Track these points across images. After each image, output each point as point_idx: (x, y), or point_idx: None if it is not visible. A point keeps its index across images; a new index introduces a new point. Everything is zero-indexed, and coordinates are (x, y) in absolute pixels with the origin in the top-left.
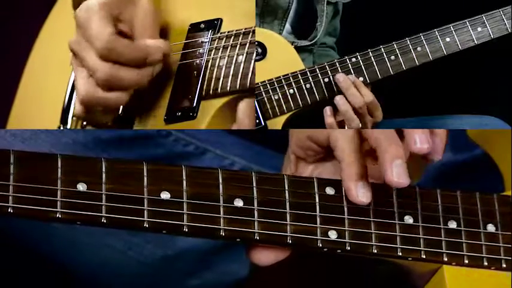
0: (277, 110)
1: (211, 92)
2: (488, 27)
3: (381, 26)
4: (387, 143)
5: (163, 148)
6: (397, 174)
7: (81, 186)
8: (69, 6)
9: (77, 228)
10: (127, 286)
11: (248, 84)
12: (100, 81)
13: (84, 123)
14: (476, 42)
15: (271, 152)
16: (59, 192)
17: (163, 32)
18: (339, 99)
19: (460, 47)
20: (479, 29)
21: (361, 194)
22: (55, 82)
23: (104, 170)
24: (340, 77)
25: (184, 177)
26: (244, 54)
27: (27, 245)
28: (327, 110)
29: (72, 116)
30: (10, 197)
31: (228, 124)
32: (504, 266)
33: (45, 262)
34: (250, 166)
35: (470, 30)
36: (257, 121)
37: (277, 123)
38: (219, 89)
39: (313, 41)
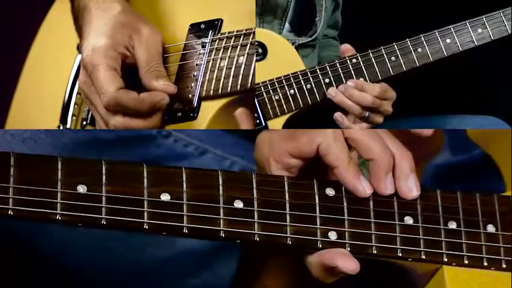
0: (278, 110)
1: (211, 92)
2: (488, 29)
3: (381, 26)
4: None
5: (163, 148)
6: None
7: (81, 188)
8: (68, 5)
9: (77, 230)
10: (126, 287)
11: (249, 85)
12: (112, 127)
13: (84, 122)
14: (476, 43)
15: None
16: (59, 194)
17: (164, 34)
18: (331, 91)
19: (460, 48)
20: (479, 30)
21: (367, 188)
22: (54, 81)
23: (104, 171)
24: (332, 91)
25: (184, 179)
26: (245, 55)
27: (27, 246)
28: (338, 117)
29: (72, 115)
30: (10, 199)
31: (228, 125)
32: (504, 266)
33: (46, 264)
34: (251, 166)
35: (471, 32)
36: (257, 121)
37: (277, 124)
38: (220, 90)
39: (314, 37)
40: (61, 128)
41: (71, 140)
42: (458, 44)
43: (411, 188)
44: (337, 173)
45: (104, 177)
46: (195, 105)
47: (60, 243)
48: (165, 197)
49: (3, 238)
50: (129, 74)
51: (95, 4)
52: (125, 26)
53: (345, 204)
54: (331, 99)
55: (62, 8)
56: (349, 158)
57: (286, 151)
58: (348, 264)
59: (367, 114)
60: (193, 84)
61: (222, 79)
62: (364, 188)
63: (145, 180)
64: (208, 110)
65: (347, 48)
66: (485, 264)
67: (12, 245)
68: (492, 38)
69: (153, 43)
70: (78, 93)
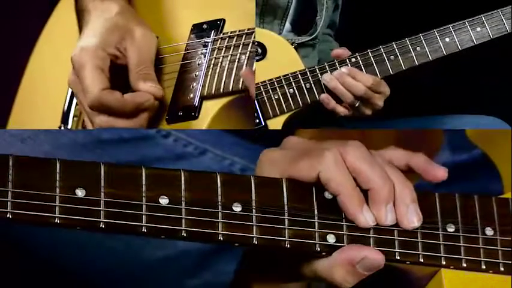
0: (277, 110)
1: (213, 91)
2: (487, 28)
3: (380, 26)
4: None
5: (163, 148)
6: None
7: (80, 192)
8: (72, 6)
9: (77, 230)
10: (126, 287)
11: None
12: (97, 126)
13: None
14: (475, 42)
15: None
16: (57, 198)
17: (166, 34)
18: (325, 77)
19: (459, 47)
20: (478, 29)
21: (369, 219)
22: (56, 82)
23: (102, 175)
24: (327, 77)
25: (182, 182)
26: (247, 54)
27: (27, 246)
28: (324, 98)
29: (73, 116)
30: (9, 203)
31: (229, 124)
32: (502, 269)
33: (46, 263)
34: (251, 166)
35: (470, 31)
36: (257, 121)
37: (277, 123)
38: (222, 89)
39: (314, 36)
40: (62, 128)
41: (71, 140)
42: (458, 43)
43: (411, 220)
44: (339, 200)
45: (102, 180)
46: (197, 104)
47: (59, 242)
48: (163, 200)
49: (4, 239)
50: (122, 74)
51: (94, 5)
52: (118, 28)
53: None
54: (325, 85)
55: (66, 8)
56: (353, 185)
57: (287, 174)
58: (376, 254)
59: (357, 104)
60: (194, 84)
61: (224, 78)
62: (366, 219)
63: (143, 184)
64: (210, 109)
65: (343, 52)
66: (483, 267)
67: (11, 244)
68: (491, 37)
69: (146, 46)
70: None
